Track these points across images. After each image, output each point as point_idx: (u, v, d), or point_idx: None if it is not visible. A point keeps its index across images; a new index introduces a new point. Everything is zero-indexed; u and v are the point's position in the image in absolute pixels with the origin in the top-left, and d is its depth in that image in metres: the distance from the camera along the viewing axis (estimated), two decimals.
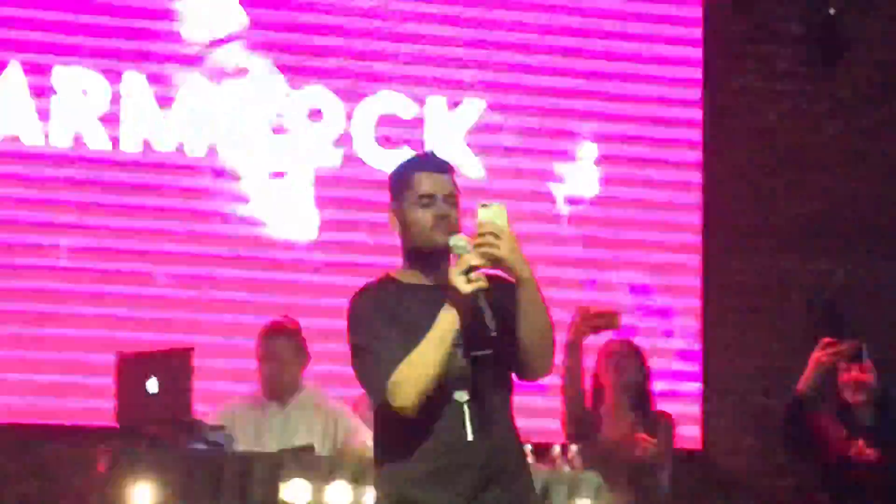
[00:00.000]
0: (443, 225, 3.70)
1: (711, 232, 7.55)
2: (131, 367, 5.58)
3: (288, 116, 6.94)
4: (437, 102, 7.18)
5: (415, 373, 3.60)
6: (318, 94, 7.02)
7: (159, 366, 5.51)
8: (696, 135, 7.71)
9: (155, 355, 5.75)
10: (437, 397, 3.67)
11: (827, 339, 5.55)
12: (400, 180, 3.88)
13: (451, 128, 7.19)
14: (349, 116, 7.02)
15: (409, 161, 4.06)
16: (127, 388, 5.48)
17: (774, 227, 7.54)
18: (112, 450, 5.33)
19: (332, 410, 5.93)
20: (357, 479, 5.38)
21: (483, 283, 3.46)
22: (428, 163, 3.97)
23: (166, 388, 5.44)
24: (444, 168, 3.88)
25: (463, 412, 3.71)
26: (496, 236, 3.48)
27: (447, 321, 3.53)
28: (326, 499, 5.35)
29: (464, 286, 3.47)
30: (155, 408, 5.52)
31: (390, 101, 7.11)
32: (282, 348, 5.88)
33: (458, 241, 3.59)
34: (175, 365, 5.54)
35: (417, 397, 3.61)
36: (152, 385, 5.42)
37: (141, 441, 5.36)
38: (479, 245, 3.45)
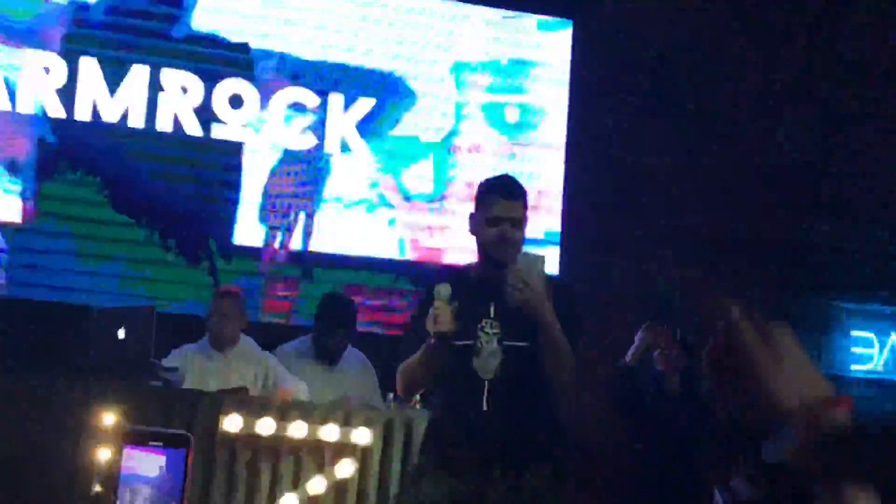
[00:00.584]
0: (504, 245, 4.46)
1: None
2: (106, 318, 6.58)
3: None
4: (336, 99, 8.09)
5: (404, 377, 4.49)
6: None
7: (128, 319, 6.34)
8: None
9: (125, 310, 6.60)
10: (462, 373, 4.40)
11: (648, 323, 6.41)
12: (478, 198, 4.60)
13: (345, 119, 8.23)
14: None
15: (489, 183, 4.74)
16: (100, 335, 6.34)
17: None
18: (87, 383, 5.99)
19: (265, 361, 6.68)
20: (283, 417, 6.01)
21: (444, 328, 4.17)
22: (502, 189, 4.62)
23: (132, 336, 6.26)
24: (515, 194, 4.56)
25: (483, 388, 4.34)
26: (526, 284, 4.01)
27: (430, 349, 4.36)
28: (257, 430, 5.96)
29: (429, 325, 4.10)
30: (122, 351, 6.31)
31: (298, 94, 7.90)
32: (228, 307, 6.67)
33: (441, 288, 4.21)
34: (140, 318, 6.37)
35: (405, 392, 4.60)
36: (121, 333, 6.24)
37: (110, 376, 6.05)
38: (511, 287, 4.09)
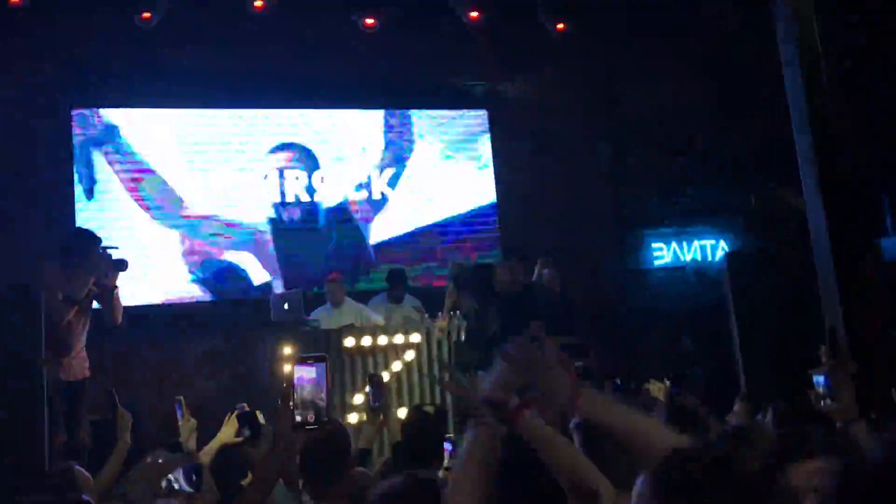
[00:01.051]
0: (515, 285, 5.34)
1: None
2: (282, 299, 7.28)
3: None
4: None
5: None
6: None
7: (291, 298, 7.05)
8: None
9: (293, 293, 7.75)
10: (479, 319, 5.60)
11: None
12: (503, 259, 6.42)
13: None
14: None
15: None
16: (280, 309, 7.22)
17: None
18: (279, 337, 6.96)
19: (360, 309, 7.29)
20: (373, 334, 6.57)
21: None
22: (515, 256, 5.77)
23: (292, 310, 7.02)
24: (524, 259, 5.63)
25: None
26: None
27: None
28: (361, 343, 6.51)
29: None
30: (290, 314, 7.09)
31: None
32: (335, 285, 7.38)
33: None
34: (297, 297, 7.12)
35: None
36: (286, 306, 7.14)
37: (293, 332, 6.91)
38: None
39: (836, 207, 4.58)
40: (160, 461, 2.80)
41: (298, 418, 2.47)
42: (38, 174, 7.28)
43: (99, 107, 7.75)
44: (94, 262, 5.06)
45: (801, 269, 5.55)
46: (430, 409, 3.82)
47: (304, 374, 2.54)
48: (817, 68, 4.82)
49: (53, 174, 7.34)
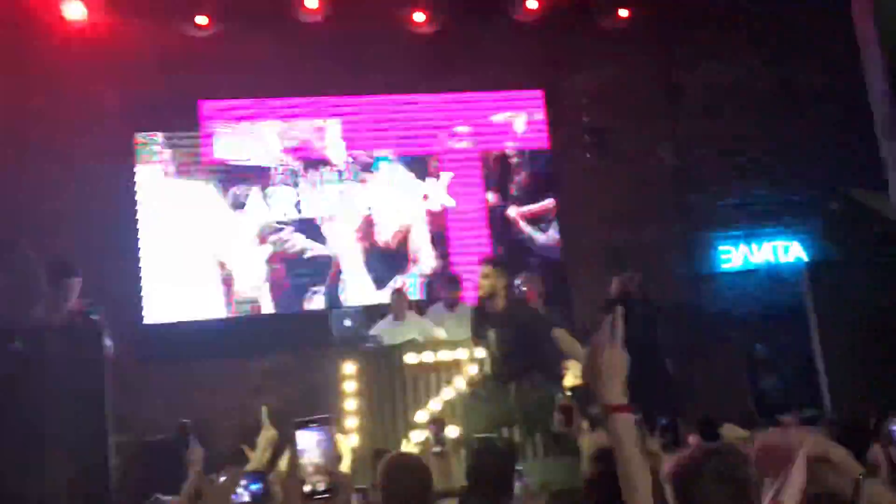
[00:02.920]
0: None
1: None
2: (342, 315, 6.91)
3: None
4: None
5: None
6: None
7: (356, 314, 6.85)
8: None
9: (353, 309, 7.18)
10: None
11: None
12: None
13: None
14: None
15: None
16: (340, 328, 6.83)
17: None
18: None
19: (423, 322, 7.05)
20: (434, 351, 6.24)
21: None
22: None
23: (356, 323, 6.82)
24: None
25: None
26: None
27: None
28: (423, 360, 6.19)
29: None
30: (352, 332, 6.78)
31: None
32: (398, 298, 7.09)
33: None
34: (359, 313, 7.17)
35: None
36: (347, 322, 6.70)
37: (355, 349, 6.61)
38: None
39: None
40: (227, 479, 2.64)
41: (307, 488, 2.24)
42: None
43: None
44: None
45: (890, 280, 5.30)
46: (500, 441, 3.61)
47: (309, 440, 2.30)
48: None
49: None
